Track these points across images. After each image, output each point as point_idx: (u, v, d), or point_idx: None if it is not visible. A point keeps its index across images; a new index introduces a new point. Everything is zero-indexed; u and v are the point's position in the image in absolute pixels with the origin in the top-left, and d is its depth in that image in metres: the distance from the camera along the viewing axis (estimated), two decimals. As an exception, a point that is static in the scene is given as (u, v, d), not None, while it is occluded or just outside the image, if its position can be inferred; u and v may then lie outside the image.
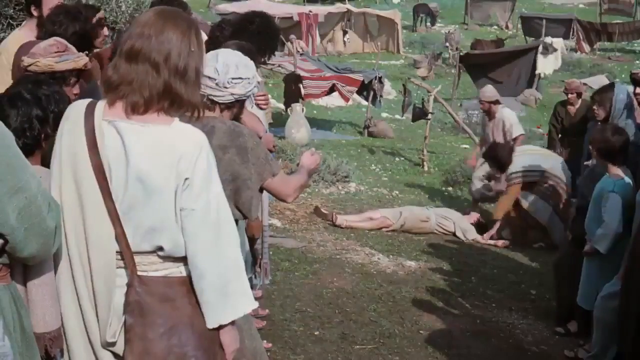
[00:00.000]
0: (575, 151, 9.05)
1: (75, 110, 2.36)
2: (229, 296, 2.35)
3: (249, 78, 3.11)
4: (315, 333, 5.18)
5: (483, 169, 8.65)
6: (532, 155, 8.28)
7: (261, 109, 4.79)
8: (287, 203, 3.21)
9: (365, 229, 8.11)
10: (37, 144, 2.59)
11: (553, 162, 8.12)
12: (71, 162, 2.31)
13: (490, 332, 5.57)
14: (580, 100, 9.47)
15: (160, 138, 2.28)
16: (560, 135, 9.76)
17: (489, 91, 8.92)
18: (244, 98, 3.17)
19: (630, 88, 5.58)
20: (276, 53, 8.93)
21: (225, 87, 3.06)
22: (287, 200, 3.24)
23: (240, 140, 2.99)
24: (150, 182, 2.26)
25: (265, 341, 4.37)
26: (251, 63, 3.19)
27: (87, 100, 2.39)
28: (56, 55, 3.20)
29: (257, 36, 4.68)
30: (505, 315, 5.96)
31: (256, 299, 5.31)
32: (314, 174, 3.47)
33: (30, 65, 3.15)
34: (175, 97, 2.31)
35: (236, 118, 3.23)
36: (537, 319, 5.91)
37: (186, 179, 2.27)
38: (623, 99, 5.47)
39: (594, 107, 5.93)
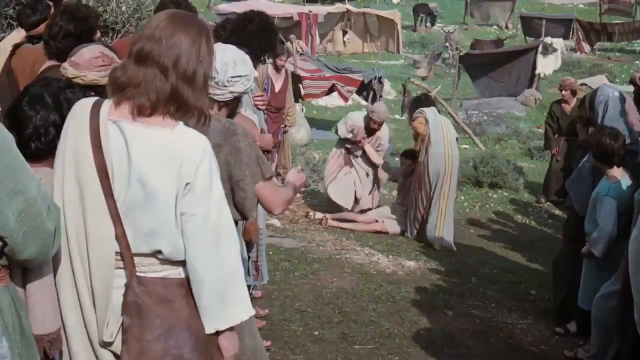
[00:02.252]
0: (570, 151, 9.07)
1: (81, 109, 2.35)
2: (227, 302, 2.35)
3: (247, 75, 3.12)
4: (315, 333, 5.18)
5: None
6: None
7: (259, 109, 4.79)
8: (273, 214, 3.13)
9: (360, 231, 8.10)
10: (51, 150, 2.56)
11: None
12: (74, 160, 2.31)
13: (489, 332, 5.58)
14: (575, 99, 9.50)
15: (163, 141, 2.27)
16: (556, 135, 9.79)
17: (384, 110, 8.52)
18: (242, 96, 3.17)
19: (617, 92, 5.56)
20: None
21: (225, 86, 3.06)
22: (274, 211, 3.15)
23: (233, 139, 2.96)
24: (151, 184, 2.25)
25: (265, 341, 4.37)
26: (247, 58, 3.18)
27: (93, 99, 2.39)
28: (102, 69, 3.11)
29: (257, 35, 4.68)
30: (504, 316, 5.96)
31: (256, 299, 5.32)
32: (300, 190, 3.41)
33: (74, 77, 3.06)
34: (182, 102, 2.30)
35: (232, 113, 3.23)
36: (537, 319, 5.92)
37: (187, 183, 2.26)
38: (603, 100, 5.43)
39: (580, 107, 5.94)
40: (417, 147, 8.04)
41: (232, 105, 3.18)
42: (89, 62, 3.11)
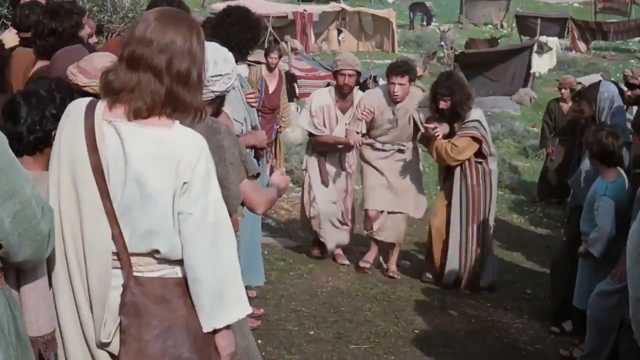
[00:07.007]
0: (568, 150, 9.07)
1: (76, 109, 2.34)
2: (224, 301, 2.35)
3: (228, 73, 3.10)
4: (310, 333, 5.18)
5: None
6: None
7: (252, 106, 4.77)
8: (256, 213, 3.20)
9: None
10: (48, 140, 2.53)
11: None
12: (70, 161, 2.30)
13: (485, 332, 5.58)
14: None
15: (159, 141, 2.26)
16: (552, 134, 9.79)
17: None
18: (225, 94, 3.16)
19: (615, 87, 5.60)
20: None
21: (206, 85, 3.04)
22: (257, 210, 3.19)
23: (217, 137, 2.95)
24: (148, 184, 2.25)
25: (260, 340, 4.37)
26: (230, 55, 3.16)
27: (88, 99, 2.37)
28: None
29: (236, 27, 4.63)
30: (500, 315, 5.96)
31: (250, 298, 5.32)
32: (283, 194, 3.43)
33: (85, 86, 2.99)
34: (179, 103, 2.29)
35: (216, 112, 3.22)
36: (532, 318, 5.92)
37: (185, 183, 2.25)
38: (608, 97, 5.45)
39: (581, 102, 5.89)
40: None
41: (216, 104, 3.17)
42: (99, 71, 3.04)
